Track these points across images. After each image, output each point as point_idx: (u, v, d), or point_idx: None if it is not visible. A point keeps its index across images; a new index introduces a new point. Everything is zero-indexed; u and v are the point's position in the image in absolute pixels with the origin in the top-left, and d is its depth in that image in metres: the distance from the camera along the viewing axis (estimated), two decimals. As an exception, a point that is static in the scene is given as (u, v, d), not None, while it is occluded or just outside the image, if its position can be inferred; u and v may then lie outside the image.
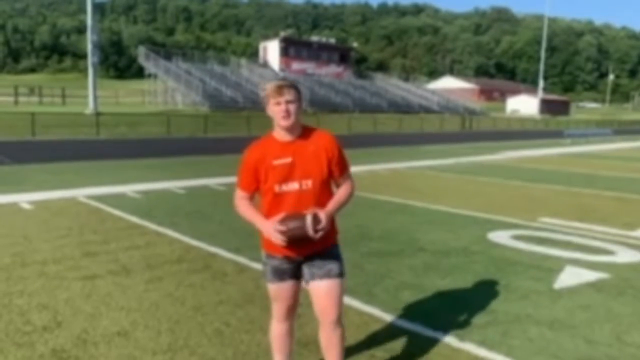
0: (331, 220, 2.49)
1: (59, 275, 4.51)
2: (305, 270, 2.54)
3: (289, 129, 2.43)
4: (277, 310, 2.66)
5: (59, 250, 5.26)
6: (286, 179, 2.42)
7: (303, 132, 2.50)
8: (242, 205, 2.56)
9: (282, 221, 2.35)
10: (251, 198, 2.57)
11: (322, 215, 2.37)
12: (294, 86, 2.44)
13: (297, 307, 2.70)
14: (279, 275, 2.55)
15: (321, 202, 2.45)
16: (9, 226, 6.23)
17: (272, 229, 2.37)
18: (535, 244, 5.92)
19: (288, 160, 2.42)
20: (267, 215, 2.47)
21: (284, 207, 2.41)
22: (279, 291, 2.59)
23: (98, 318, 3.65)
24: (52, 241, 5.60)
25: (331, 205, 2.47)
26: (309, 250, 2.48)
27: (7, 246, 5.37)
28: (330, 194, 2.52)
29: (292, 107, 2.39)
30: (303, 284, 2.62)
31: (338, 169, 2.52)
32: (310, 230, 2.31)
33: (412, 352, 3.26)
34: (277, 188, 2.43)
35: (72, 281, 4.38)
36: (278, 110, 2.39)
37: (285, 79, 2.52)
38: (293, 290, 2.60)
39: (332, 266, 2.52)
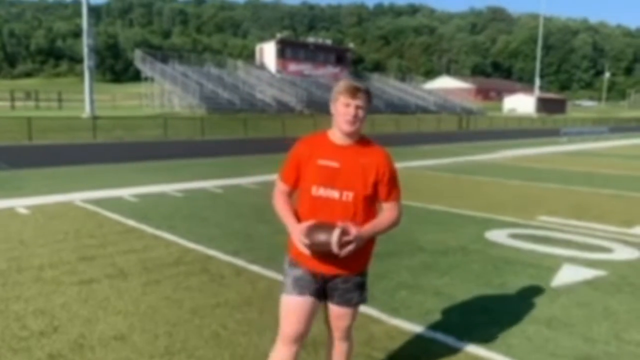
0: (367, 246, 2.33)
1: (55, 280, 4.50)
2: (328, 290, 2.40)
3: (349, 135, 2.28)
4: (286, 331, 2.35)
5: (55, 255, 5.24)
6: (327, 183, 2.26)
7: (360, 140, 2.33)
8: (280, 200, 2.40)
9: (310, 230, 2.20)
10: (290, 193, 2.41)
11: (354, 230, 2.18)
12: (368, 92, 2.28)
13: (307, 333, 2.41)
14: (300, 287, 2.33)
15: (359, 221, 2.26)
16: (5, 231, 6.21)
17: (299, 235, 2.22)
18: (532, 243, 5.93)
19: (335, 164, 2.26)
20: (302, 218, 2.32)
21: (319, 215, 2.24)
22: (294, 306, 2.33)
23: (95, 322, 3.63)
24: (49, 246, 5.58)
25: (368, 226, 2.27)
26: (335, 269, 2.31)
27: (4, 251, 5.35)
28: (372, 216, 2.33)
29: (360, 113, 2.24)
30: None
31: (385, 191, 2.31)
32: (334, 246, 2.13)
33: (410, 352, 3.26)
34: (314, 190, 2.28)
35: (68, 286, 4.37)
36: (345, 112, 2.23)
37: (361, 83, 2.34)
38: (311, 309, 2.35)
39: (354, 295, 2.39)
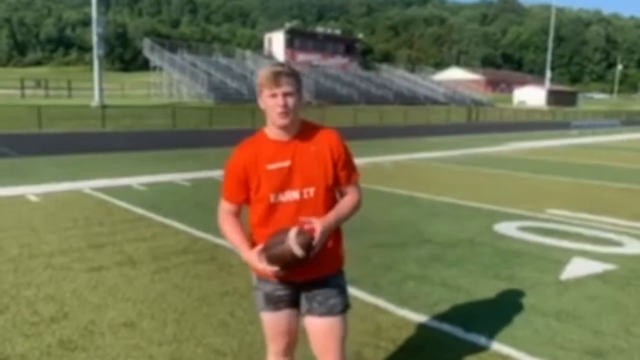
0: (335, 238, 2.09)
1: (65, 267, 4.54)
2: (303, 300, 2.13)
3: (287, 128, 2.00)
4: (273, 347, 2.22)
5: (65, 242, 5.28)
6: (283, 187, 2.00)
7: (302, 128, 2.06)
8: (228, 224, 2.12)
9: (264, 250, 1.94)
10: (238, 212, 2.13)
11: (317, 225, 1.92)
12: (293, 74, 1.97)
13: (295, 343, 2.26)
14: (274, 303, 2.11)
15: (322, 215, 2.01)
16: (16, 218, 6.27)
17: (256, 261, 1.96)
18: (541, 235, 5.89)
19: (285, 163, 2.00)
20: (258, 229, 2.06)
21: (281, 220, 1.99)
22: (274, 323, 2.15)
23: (104, 309, 3.67)
24: (59, 233, 5.63)
25: (331, 215, 2.01)
26: (308, 273, 2.05)
27: (15, 238, 5.41)
28: (334, 206, 2.08)
29: (291, 101, 1.95)
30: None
31: (345, 174, 2.08)
32: (297, 250, 1.86)
33: (417, 343, 3.26)
34: (272, 198, 2.01)
35: (78, 272, 4.41)
36: (273, 104, 1.95)
37: (283, 64, 2.05)
38: (291, 321, 2.16)
39: (336, 301, 2.10)
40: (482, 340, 3.29)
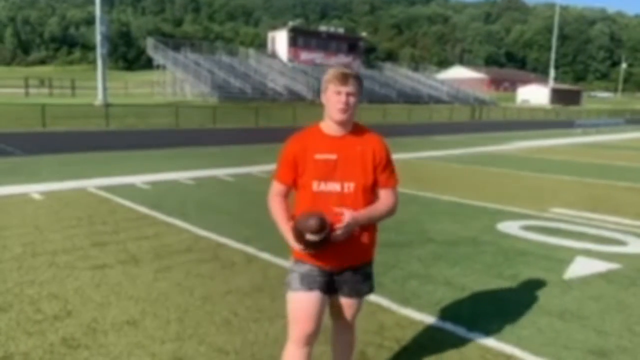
0: (369, 233, 2.29)
1: (69, 265, 4.55)
2: (335, 284, 2.35)
3: (343, 124, 2.22)
4: (297, 331, 2.26)
5: (69, 240, 5.30)
6: (327, 177, 2.19)
7: (354, 129, 2.28)
8: (275, 202, 2.32)
9: (296, 224, 2.13)
10: (287, 193, 2.33)
11: (347, 216, 2.12)
12: (358, 77, 2.21)
13: (319, 331, 2.30)
14: (308, 283, 2.25)
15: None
16: (20, 216, 6.29)
17: (291, 237, 2.18)
18: (545, 235, 5.88)
19: (332, 156, 2.20)
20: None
21: (323, 210, 2.15)
22: (305, 303, 2.24)
23: (107, 307, 3.68)
24: (63, 231, 5.64)
25: (364, 211, 2.20)
26: (342, 262, 2.28)
27: (19, 236, 5.42)
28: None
29: (352, 100, 2.18)
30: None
31: (383, 178, 2.26)
32: (307, 233, 2.05)
33: (420, 342, 3.25)
34: (315, 186, 2.21)
35: (82, 271, 4.42)
36: (336, 100, 2.16)
37: (350, 69, 2.27)
38: (320, 305, 2.26)
39: (362, 286, 2.38)
40: (485, 339, 3.28)
